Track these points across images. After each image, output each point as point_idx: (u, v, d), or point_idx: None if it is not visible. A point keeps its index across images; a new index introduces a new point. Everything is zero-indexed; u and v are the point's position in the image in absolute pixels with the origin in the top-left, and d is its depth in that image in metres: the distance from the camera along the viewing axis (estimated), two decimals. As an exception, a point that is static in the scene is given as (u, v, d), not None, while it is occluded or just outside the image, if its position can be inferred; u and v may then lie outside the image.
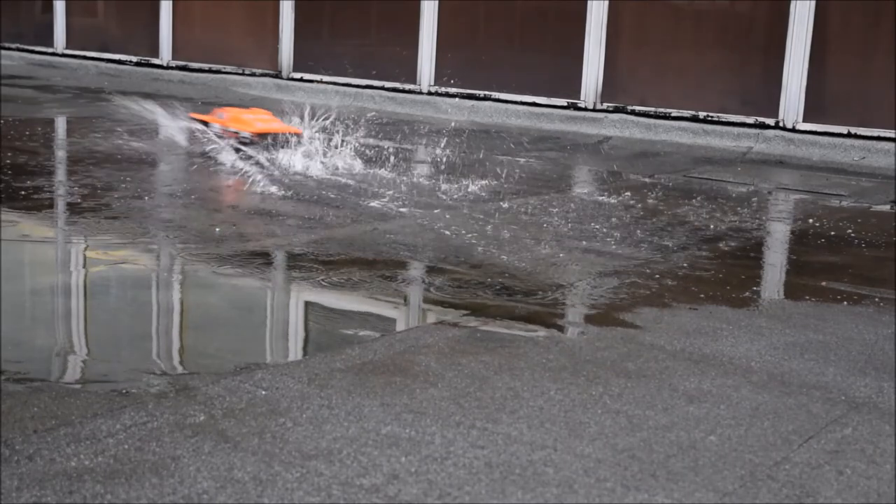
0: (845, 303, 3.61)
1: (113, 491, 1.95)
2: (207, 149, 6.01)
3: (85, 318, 3.12)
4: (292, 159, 5.77)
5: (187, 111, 6.93)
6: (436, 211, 4.89)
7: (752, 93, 7.88)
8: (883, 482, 2.18)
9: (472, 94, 8.97)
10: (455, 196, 5.30)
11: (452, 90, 9.09)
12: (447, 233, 4.40)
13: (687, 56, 8.14)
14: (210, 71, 10.57)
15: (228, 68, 10.47)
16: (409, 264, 3.92)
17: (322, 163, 5.77)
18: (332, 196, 5.06)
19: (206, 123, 6.37)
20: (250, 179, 5.27)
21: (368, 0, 9.66)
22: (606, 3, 8.32)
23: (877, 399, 2.68)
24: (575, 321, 3.30)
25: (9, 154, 5.77)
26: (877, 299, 3.68)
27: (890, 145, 7.21)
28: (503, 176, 5.88)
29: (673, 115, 8.07)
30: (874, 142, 7.29)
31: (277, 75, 10.13)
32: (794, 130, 7.62)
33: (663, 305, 3.45)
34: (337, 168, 5.77)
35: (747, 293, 3.69)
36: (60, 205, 4.62)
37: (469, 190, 5.47)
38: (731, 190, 6.08)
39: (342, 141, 6.07)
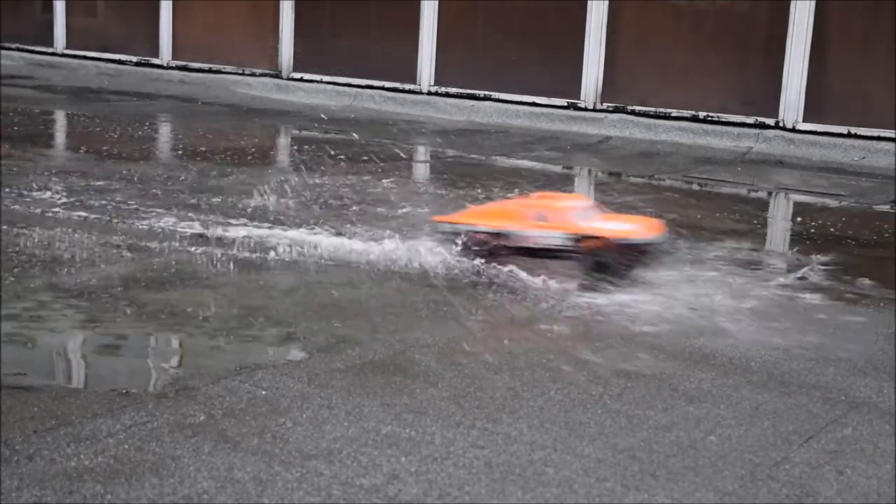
0: (845, 303, 3.61)
1: (113, 491, 1.95)
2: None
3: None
4: None
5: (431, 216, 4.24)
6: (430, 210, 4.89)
7: (752, 93, 7.88)
8: (883, 482, 2.18)
9: (472, 94, 8.97)
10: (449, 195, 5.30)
11: (452, 90, 9.09)
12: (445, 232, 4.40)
13: (687, 56, 8.14)
14: (210, 71, 10.57)
15: (228, 68, 10.47)
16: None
17: None
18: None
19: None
20: None
21: (368, 0, 9.66)
22: (606, 3, 8.32)
23: (877, 399, 2.68)
24: (575, 321, 3.29)
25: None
26: (877, 299, 3.67)
27: (890, 145, 7.20)
28: (501, 176, 5.88)
29: (673, 115, 8.06)
30: (874, 142, 7.29)
31: (277, 75, 10.13)
32: (794, 130, 7.62)
33: (663, 305, 3.45)
34: None
35: (747, 293, 3.68)
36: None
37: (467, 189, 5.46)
38: (731, 190, 6.08)
39: None
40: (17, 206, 4.43)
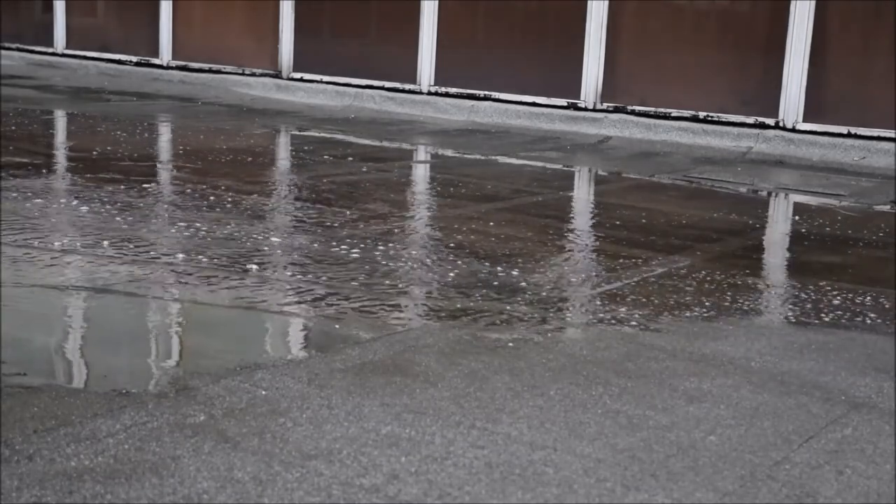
0: (845, 303, 3.61)
1: (113, 491, 1.95)
2: None
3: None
4: None
5: None
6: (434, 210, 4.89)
7: (752, 93, 7.89)
8: (883, 482, 2.18)
9: (472, 94, 8.97)
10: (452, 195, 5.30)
11: (452, 90, 9.10)
12: (445, 232, 4.40)
13: (687, 56, 8.14)
14: (210, 71, 10.58)
15: (228, 68, 10.47)
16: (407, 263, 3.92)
17: None
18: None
19: None
20: None
21: (368, 0, 9.66)
22: (606, 3, 8.32)
23: (877, 399, 2.68)
24: (575, 321, 3.30)
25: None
26: (877, 299, 3.67)
27: (890, 145, 7.21)
28: (502, 176, 5.88)
29: (673, 115, 8.07)
30: (874, 142, 7.30)
31: (277, 75, 10.13)
32: (794, 130, 7.62)
33: (664, 305, 3.45)
34: None
35: (747, 293, 3.69)
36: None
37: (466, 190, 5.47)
38: (731, 190, 6.08)
39: None
40: (15, 207, 4.43)
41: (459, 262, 3.89)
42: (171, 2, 10.87)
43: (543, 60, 8.73)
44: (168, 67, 10.91)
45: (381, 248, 4.05)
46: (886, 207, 5.67)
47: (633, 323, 3.24)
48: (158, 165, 5.92)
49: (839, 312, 3.48)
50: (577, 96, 8.51)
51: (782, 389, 2.71)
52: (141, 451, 2.12)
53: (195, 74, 10.60)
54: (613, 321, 3.25)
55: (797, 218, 5.46)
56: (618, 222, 4.85)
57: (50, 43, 11.96)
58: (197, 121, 7.97)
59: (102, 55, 11.49)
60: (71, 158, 5.96)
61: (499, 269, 3.82)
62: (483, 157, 6.83)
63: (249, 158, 6.22)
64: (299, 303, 3.34)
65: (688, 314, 3.37)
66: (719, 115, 7.91)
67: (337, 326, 3.08)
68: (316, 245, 4.04)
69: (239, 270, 3.62)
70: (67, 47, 11.87)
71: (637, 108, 8.26)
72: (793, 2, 7.58)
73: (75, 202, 4.61)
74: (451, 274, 3.72)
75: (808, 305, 3.56)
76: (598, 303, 3.47)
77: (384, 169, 6.10)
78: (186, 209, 4.59)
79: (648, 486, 2.10)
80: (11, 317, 3.01)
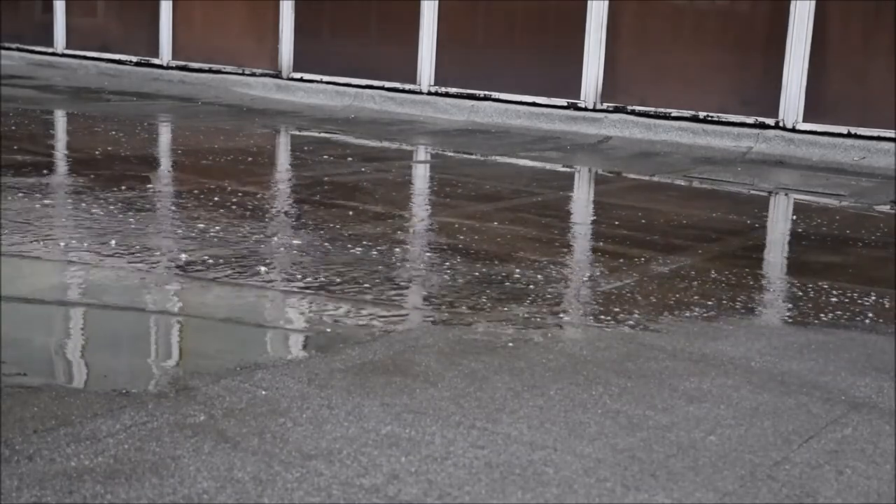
0: (845, 303, 3.61)
1: (113, 491, 1.95)
2: None
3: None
4: None
5: None
6: (434, 210, 4.89)
7: (751, 93, 7.89)
8: (883, 482, 2.18)
9: (472, 94, 8.97)
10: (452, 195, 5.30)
11: (452, 90, 9.10)
12: (445, 232, 4.40)
13: (687, 56, 8.14)
14: (210, 71, 10.58)
15: (228, 68, 10.47)
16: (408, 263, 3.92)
17: None
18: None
19: None
20: None
21: (368, 0, 9.66)
22: (606, 3, 8.32)
23: (877, 399, 2.68)
24: (575, 321, 3.29)
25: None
26: (877, 299, 3.67)
27: (890, 145, 7.21)
28: (502, 177, 5.88)
29: (673, 115, 8.07)
30: (874, 142, 7.30)
31: (277, 75, 10.14)
32: (794, 130, 7.62)
33: (664, 305, 3.45)
34: None
35: (747, 293, 3.69)
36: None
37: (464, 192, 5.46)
38: (731, 190, 6.08)
39: None
40: (15, 209, 4.43)
41: (459, 262, 3.89)
42: (171, 2, 10.88)
43: (543, 60, 8.73)
44: (168, 67, 10.91)
45: (381, 247, 4.05)
46: (886, 207, 5.67)
47: (633, 323, 3.24)
48: (159, 166, 5.92)
49: (839, 312, 3.48)
50: (577, 96, 8.51)
51: (782, 389, 2.71)
52: (141, 451, 2.12)
53: (195, 74, 10.61)
54: (613, 321, 3.26)
55: (797, 218, 5.46)
56: (618, 222, 4.85)
57: (50, 43, 11.96)
58: (197, 121, 7.97)
59: (102, 55, 11.49)
60: (71, 158, 5.96)
61: (499, 268, 3.82)
62: (483, 157, 6.83)
63: (250, 159, 6.22)
64: (299, 302, 3.34)
65: (688, 314, 3.37)
66: (719, 115, 7.91)
67: (337, 326, 3.08)
68: (316, 245, 4.04)
69: (238, 270, 3.62)
70: (67, 47, 11.87)
71: (637, 108, 8.26)
72: (793, 2, 7.58)
73: (76, 202, 4.61)
74: (451, 274, 3.72)
75: (808, 305, 3.56)
76: (598, 303, 3.47)
77: (384, 169, 6.10)
78: (188, 209, 4.59)
79: (648, 486, 2.10)
80: (12, 316, 3.01)
